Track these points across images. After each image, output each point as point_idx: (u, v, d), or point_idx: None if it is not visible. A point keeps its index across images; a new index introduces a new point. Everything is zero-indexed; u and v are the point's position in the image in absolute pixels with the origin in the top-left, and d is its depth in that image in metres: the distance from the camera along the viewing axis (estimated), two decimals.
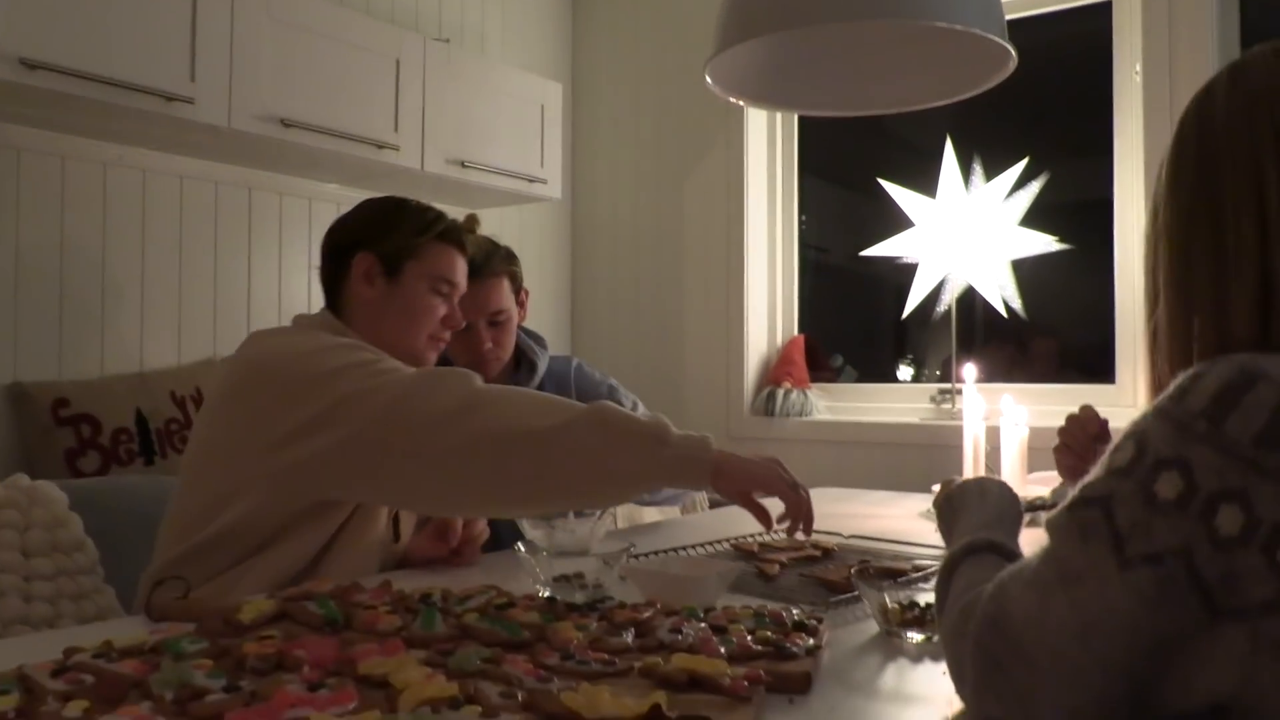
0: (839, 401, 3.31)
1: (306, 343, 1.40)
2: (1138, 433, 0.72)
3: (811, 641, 0.99)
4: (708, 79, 1.59)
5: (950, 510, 1.05)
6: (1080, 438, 1.51)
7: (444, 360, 1.88)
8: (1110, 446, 0.74)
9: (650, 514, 2.16)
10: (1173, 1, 2.62)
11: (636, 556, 1.46)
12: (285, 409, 1.33)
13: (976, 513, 0.99)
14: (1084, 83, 2.98)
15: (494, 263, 1.91)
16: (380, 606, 1.10)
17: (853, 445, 3.11)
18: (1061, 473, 1.57)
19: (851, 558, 1.58)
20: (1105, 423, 1.53)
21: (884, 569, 1.29)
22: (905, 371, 3.56)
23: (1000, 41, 1.46)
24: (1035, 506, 1.63)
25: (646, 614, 1.08)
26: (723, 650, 0.94)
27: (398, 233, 1.55)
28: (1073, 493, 0.74)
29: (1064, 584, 0.69)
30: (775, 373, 3.32)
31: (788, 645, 0.96)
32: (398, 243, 1.54)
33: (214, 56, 2.22)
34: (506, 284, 1.94)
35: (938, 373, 3.43)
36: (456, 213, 3.16)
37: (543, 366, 2.03)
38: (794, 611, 1.10)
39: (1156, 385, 0.85)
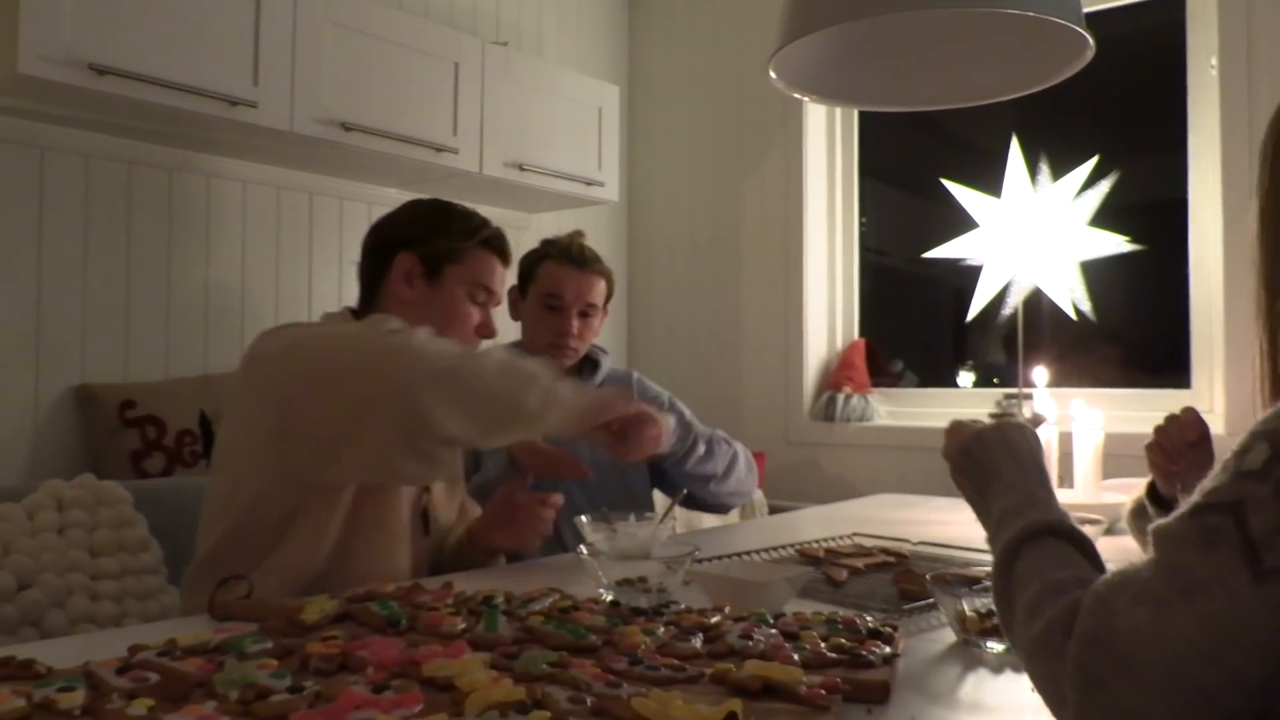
0: (900, 407, 3.25)
1: (282, 335, 1.41)
2: (1270, 432, 0.66)
3: (888, 649, 0.95)
4: (771, 74, 1.55)
5: (973, 467, 0.97)
6: (1177, 440, 1.45)
7: (524, 336, 2.04)
8: (1235, 447, 0.68)
9: (709, 519, 2.13)
10: None
11: (700, 560, 1.43)
12: (265, 393, 1.35)
13: (1011, 475, 0.91)
14: (1155, 77, 2.89)
15: (598, 264, 2.01)
16: (443, 608, 1.08)
17: (915, 451, 3.05)
18: (1152, 470, 1.50)
19: (922, 565, 1.54)
20: (1207, 430, 1.46)
21: (959, 576, 1.24)
22: (966, 378, 3.48)
23: (1077, 29, 1.40)
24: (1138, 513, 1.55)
25: (714, 619, 1.05)
26: (796, 657, 0.91)
27: (442, 235, 1.55)
28: (1193, 498, 0.68)
29: (1185, 597, 0.63)
30: (835, 377, 3.27)
31: (863, 653, 0.93)
32: (441, 246, 1.54)
33: (276, 61, 2.24)
34: (604, 285, 2.01)
35: (994, 380, 3.36)
36: (517, 218, 3.21)
37: (603, 372, 2.06)
38: (868, 618, 1.06)
39: (1275, 387, 0.79)
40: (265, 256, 2.61)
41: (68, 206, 2.26)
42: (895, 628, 1.04)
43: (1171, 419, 1.47)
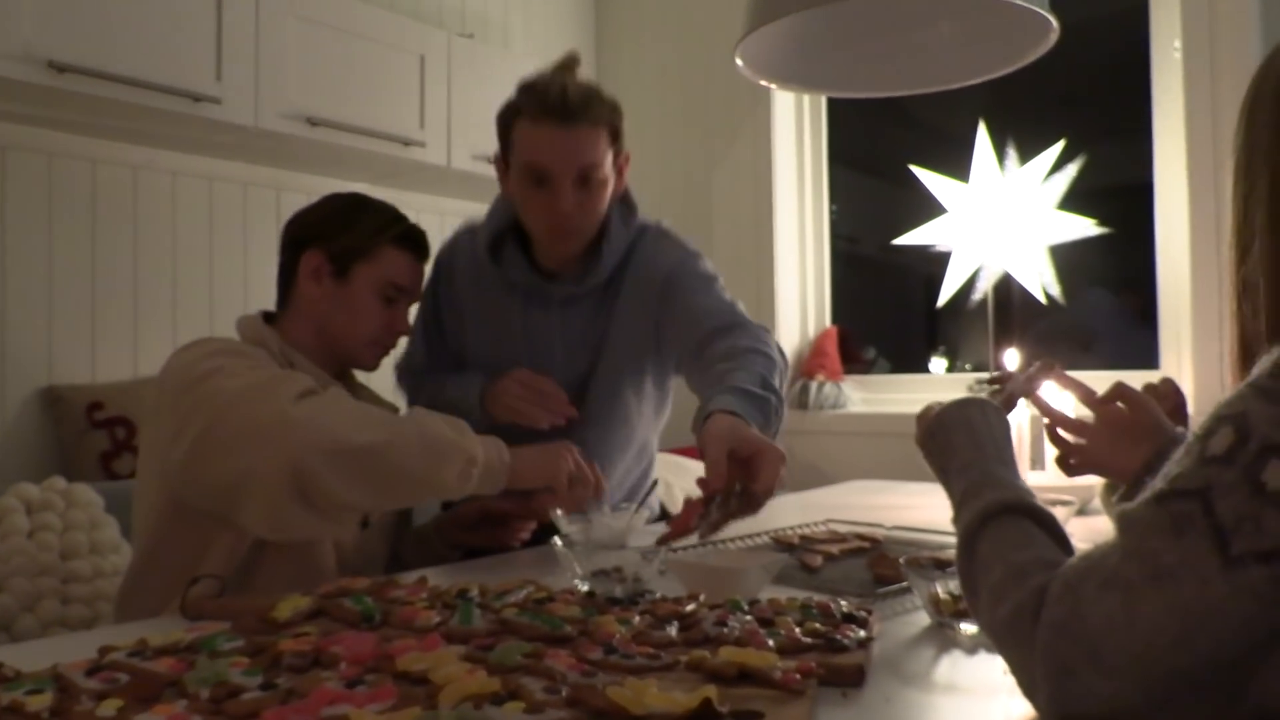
0: (873, 394, 3.26)
1: (192, 353, 1.36)
2: (1234, 415, 0.65)
3: (862, 633, 0.96)
4: (738, 61, 1.55)
5: (936, 448, 0.97)
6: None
7: (518, 224, 1.63)
8: (1198, 430, 0.68)
9: (678, 496, 2.13)
10: None
11: (675, 550, 1.43)
12: (161, 420, 1.33)
13: (968, 454, 0.92)
14: (1121, 61, 2.91)
15: (592, 108, 1.51)
16: (417, 602, 1.08)
17: (888, 437, 3.06)
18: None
19: (896, 549, 1.54)
20: (1183, 400, 1.47)
21: (933, 559, 1.25)
22: (938, 364, 3.51)
23: (1040, 11, 1.41)
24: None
25: (689, 607, 1.05)
26: (771, 643, 0.91)
27: (351, 232, 1.49)
28: (1158, 483, 0.68)
29: (1154, 583, 0.63)
30: (808, 365, 3.28)
31: (838, 637, 0.93)
32: (349, 243, 1.49)
33: (240, 56, 2.21)
34: (604, 137, 1.54)
35: (966, 366, 3.38)
36: (482, 209, 3.18)
37: (611, 260, 1.64)
38: (842, 603, 1.07)
39: (1245, 352, 0.78)
40: (233, 252, 2.59)
41: (30, 206, 2.23)
42: (870, 612, 1.05)
43: (1149, 388, 1.47)
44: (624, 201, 1.67)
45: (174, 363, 1.37)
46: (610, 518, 1.58)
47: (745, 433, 1.28)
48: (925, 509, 2.07)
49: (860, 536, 1.62)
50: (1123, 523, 0.69)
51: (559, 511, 1.54)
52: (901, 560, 1.17)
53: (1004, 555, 0.78)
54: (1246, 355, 0.78)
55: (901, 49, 1.70)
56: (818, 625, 0.97)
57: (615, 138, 1.57)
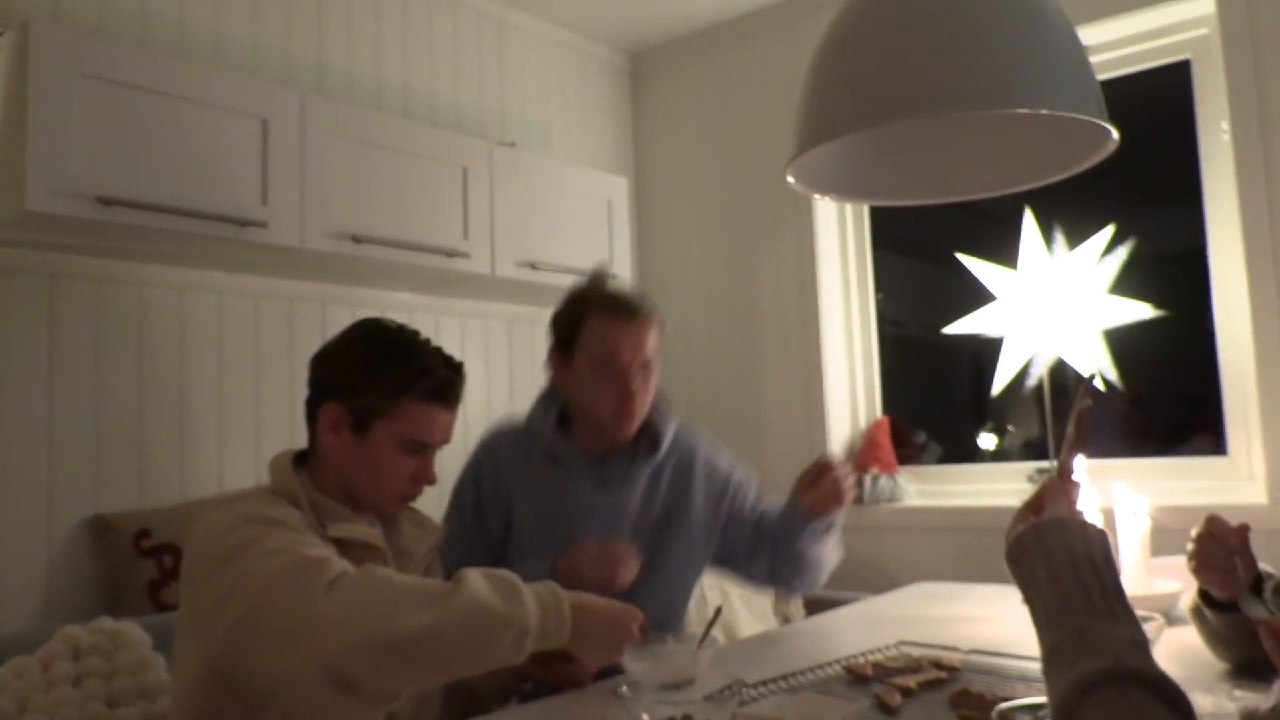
0: (929, 485, 3.18)
1: (224, 518, 1.31)
2: None
3: None
4: (790, 179, 1.52)
5: (1020, 577, 0.90)
6: (1222, 556, 1.37)
7: (578, 401, 1.82)
8: None
9: (746, 626, 2.06)
10: (1257, 55, 2.52)
11: (747, 688, 1.36)
12: (199, 593, 1.28)
13: (1051, 602, 0.84)
14: (1167, 140, 2.87)
15: (648, 304, 1.79)
16: None
17: (948, 531, 2.97)
18: (1201, 582, 1.43)
19: (976, 679, 1.46)
20: (1245, 532, 1.39)
21: (1022, 705, 1.17)
22: (988, 439, 3.42)
23: (1100, 122, 1.37)
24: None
25: None
26: None
27: (372, 388, 1.42)
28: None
29: None
30: (862, 458, 3.20)
31: None
32: (369, 401, 1.42)
33: (285, 178, 2.23)
34: (657, 331, 1.80)
35: (1022, 442, 3.30)
36: (530, 313, 3.18)
37: (666, 444, 1.85)
38: None
39: None
40: (278, 370, 2.58)
41: (78, 333, 2.24)
42: None
43: (1204, 539, 1.39)
44: (662, 398, 1.90)
45: (206, 527, 1.32)
46: (674, 649, 1.52)
47: None
48: (997, 621, 1.98)
49: (936, 664, 1.54)
50: None
51: (628, 654, 1.49)
52: (994, 712, 1.10)
53: None
54: None
55: (953, 156, 1.67)
56: None
57: (661, 331, 1.82)
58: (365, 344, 1.48)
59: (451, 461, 2.88)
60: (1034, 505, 1.00)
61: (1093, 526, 0.90)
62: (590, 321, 1.75)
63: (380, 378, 1.43)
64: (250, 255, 2.30)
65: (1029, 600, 0.89)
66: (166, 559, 2.19)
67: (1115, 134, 1.40)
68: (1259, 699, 0.65)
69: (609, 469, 1.83)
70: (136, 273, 2.33)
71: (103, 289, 2.28)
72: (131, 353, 2.32)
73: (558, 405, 1.85)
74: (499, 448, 1.89)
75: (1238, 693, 1.27)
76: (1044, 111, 1.32)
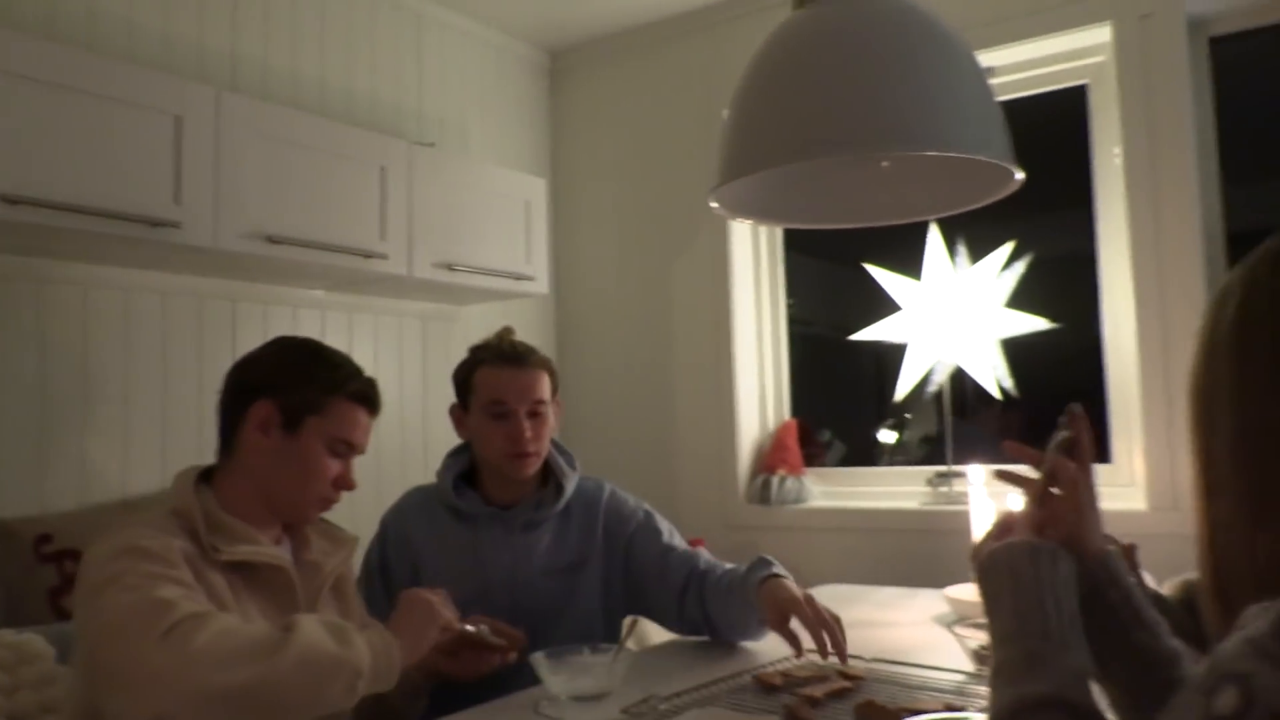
0: (834, 486, 3.28)
1: (104, 548, 1.32)
2: (1238, 676, 0.65)
3: None
4: (712, 204, 1.57)
5: (984, 595, 0.95)
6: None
7: (465, 449, 1.97)
8: (1200, 683, 0.68)
9: (658, 634, 2.11)
10: (1148, 84, 2.66)
11: (662, 701, 1.41)
12: (75, 621, 1.31)
13: (1007, 623, 0.89)
14: (1064, 156, 3.01)
15: (535, 355, 1.93)
16: None
17: (851, 532, 3.07)
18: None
19: (880, 690, 1.54)
20: (1133, 554, 1.47)
21: (924, 717, 1.24)
22: (888, 435, 3.54)
23: (1006, 165, 1.45)
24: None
25: None
26: None
27: (306, 386, 1.48)
28: None
29: None
30: (769, 459, 3.28)
31: None
32: (302, 396, 1.47)
33: (199, 177, 2.18)
34: (547, 378, 1.92)
35: (921, 437, 3.43)
36: (446, 311, 3.17)
37: (570, 488, 1.96)
38: None
39: (1220, 588, 0.79)
40: (188, 368, 2.53)
41: None
42: None
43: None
44: (563, 451, 2.01)
45: (89, 556, 1.33)
46: (591, 660, 1.56)
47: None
48: (900, 626, 2.07)
49: (842, 674, 1.61)
50: None
51: (541, 655, 1.53)
52: None
53: None
54: (1223, 592, 0.79)
55: (866, 184, 1.73)
56: None
57: (553, 379, 1.95)
58: (297, 349, 1.56)
59: (365, 476, 2.87)
60: (1004, 526, 1.05)
61: (1063, 555, 0.94)
62: (480, 371, 1.90)
63: (316, 376, 1.50)
64: (161, 254, 2.25)
65: (989, 613, 0.93)
66: (68, 564, 2.13)
67: (1019, 174, 1.47)
68: None
69: (514, 518, 1.91)
70: (38, 269, 2.26)
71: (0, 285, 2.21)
72: (31, 351, 2.25)
73: (462, 461, 1.97)
74: (405, 508, 2.00)
75: None
76: (957, 155, 1.39)
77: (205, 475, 1.51)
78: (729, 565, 1.89)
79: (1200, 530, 0.82)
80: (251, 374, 1.51)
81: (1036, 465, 1.09)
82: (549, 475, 1.97)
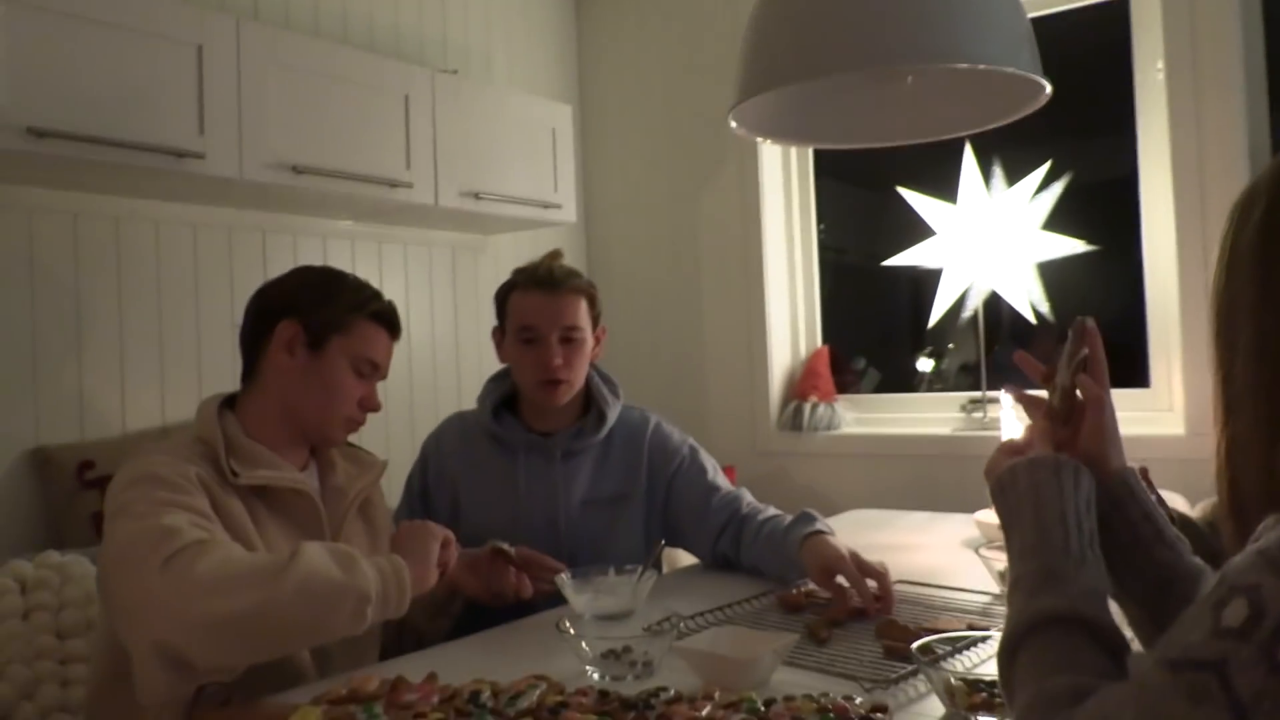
0: (866, 413, 3.27)
1: (125, 474, 1.34)
2: (1248, 587, 0.65)
3: None
4: (732, 123, 1.54)
5: (1003, 507, 0.94)
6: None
7: (510, 400, 1.93)
8: (1210, 596, 0.67)
9: (688, 557, 2.12)
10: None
11: (684, 619, 1.43)
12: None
13: (1029, 536, 0.88)
14: (1105, 79, 2.91)
15: (572, 280, 1.87)
16: (430, 713, 1.07)
17: (883, 459, 3.07)
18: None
19: (901, 609, 1.54)
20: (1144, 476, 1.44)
21: (943, 639, 1.24)
22: (925, 364, 3.51)
23: (1034, 77, 1.41)
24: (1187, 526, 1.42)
25: (704, 711, 1.05)
26: None
27: (329, 305, 1.50)
28: (1167, 643, 0.67)
29: None
30: (801, 386, 3.27)
31: None
32: (327, 315, 1.50)
33: (222, 109, 2.18)
34: (584, 304, 1.87)
35: (959, 366, 3.39)
36: (473, 240, 3.17)
37: (613, 417, 1.91)
38: (858, 700, 1.06)
39: (1237, 505, 0.77)
40: (218, 298, 2.55)
41: (10, 262, 2.19)
42: (886, 709, 1.04)
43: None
44: (608, 380, 1.97)
45: (114, 480, 1.35)
46: (616, 581, 1.58)
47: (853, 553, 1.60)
48: (926, 549, 2.07)
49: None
50: (1136, 684, 0.69)
51: (565, 577, 1.56)
52: (912, 648, 1.17)
53: (1039, 676, 0.77)
54: (1240, 509, 0.77)
55: (894, 103, 1.69)
56: None
57: (593, 305, 1.90)
58: (318, 272, 1.59)
59: (398, 405, 2.88)
60: (1021, 442, 1.02)
61: (1085, 472, 0.93)
62: (514, 295, 1.87)
63: (338, 297, 1.52)
64: (188, 185, 2.26)
65: (1007, 528, 0.92)
66: None
67: (1048, 87, 1.43)
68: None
69: (553, 446, 1.88)
70: (71, 202, 2.28)
71: (36, 218, 2.23)
72: (66, 282, 2.29)
73: (503, 386, 1.94)
74: (444, 434, 1.98)
75: None
76: (983, 67, 1.35)
77: (230, 402, 1.53)
78: (771, 511, 1.83)
79: (1219, 447, 0.80)
80: (275, 297, 1.53)
81: (1045, 381, 1.07)
82: (591, 403, 1.93)
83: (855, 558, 1.58)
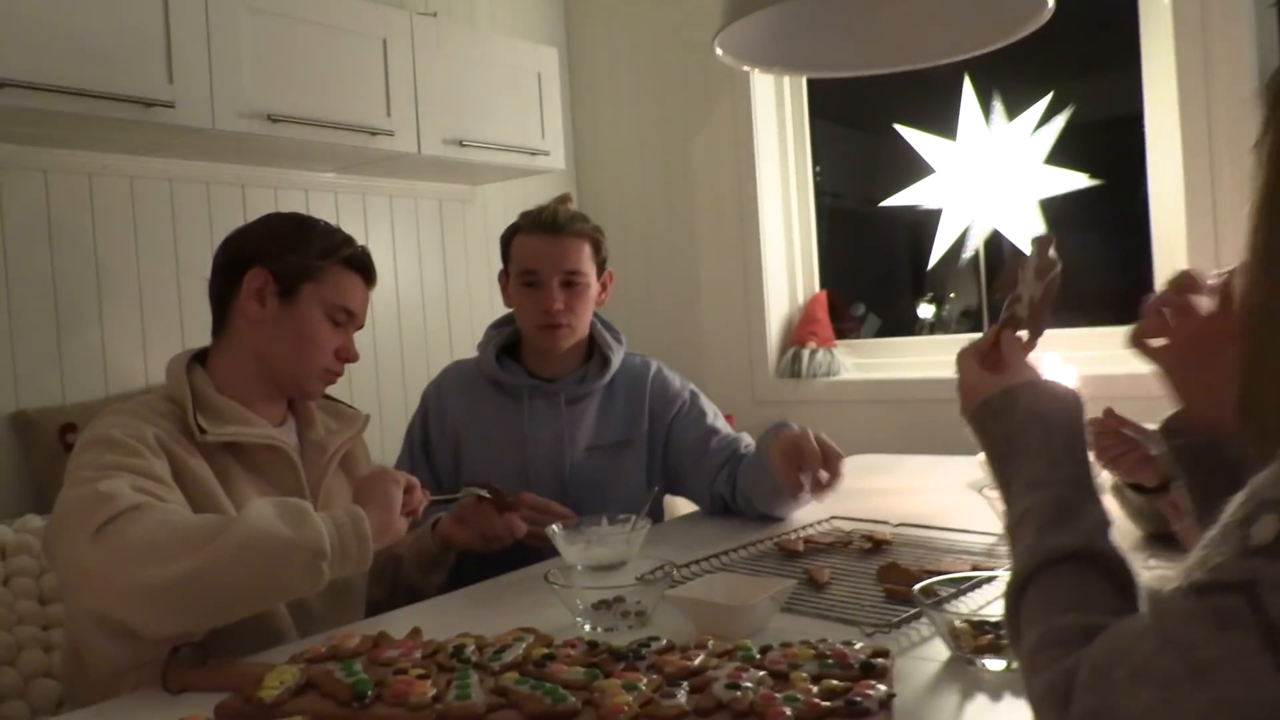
0: (866, 358, 3.21)
1: (82, 436, 1.30)
2: (1278, 501, 0.60)
3: (883, 689, 0.90)
4: (717, 51, 1.46)
5: (997, 433, 0.86)
6: (1118, 446, 1.40)
7: (510, 321, 1.91)
8: (1236, 513, 0.62)
9: (683, 504, 2.08)
10: None
11: (678, 568, 1.38)
12: None
13: (1038, 467, 0.81)
14: (1108, 8, 2.82)
15: (576, 224, 1.83)
16: (412, 669, 1.02)
17: (884, 404, 3.02)
18: (1132, 479, 1.44)
19: (904, 552, 1.50)
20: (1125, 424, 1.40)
21: (946, 580, 1.20)
22: (926, 310, 3.45)
23: None
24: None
25: (698, 659, 1.00)
26: (789, 712, 0.86)
27: (299, 252, 1.44)
28: (1190, 567, 0.62)
29: (1197, 679, 0.58)
30: (799, 332, 3.21)
31: (857, 699, 0.88)
32: (297, 262, 1.43)
33: (191, 55, 2.10)
34: (588, 248, 1.84)
35: (961, 312, 3.32)
36: (461, 191, 3.09)
37: (617, 361, 1.89)
38: (857, 645, 1.02)
39: (1252, 396, 0.71)
40: (199, 254, 2.48)
41: None
42: (888, 655, 1.00)
43: (1096, 437, 1.35)
44: (609, 326, 1.95)
45: (76, 443, 1.30)
46: (609, 531, 1.53)
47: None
48: (929, 492, 2.03)
49: (867, 537, 1.57)
50: (1155, 609, 0.64)
51: (556, 528, 1.51)
52: (915, 590, 1.12)
53: (1048, 615, 0.72)
54: (1254, 400, 0.71)
55: (886, 25, 1.61)
56: (835, 681, 0.92)
57: (597, 251, 1.86)
58: (287, 218, 1.52)
59: (388, 359, 2.83)
60: (990, 351, 0.95)
61: (1077, 396, 0.86)
62: (517, 238, 1.84)
63: (308, 243, 1.45)
64: (160, 137, 2.19)
65: (1002, 456, 0.85)
66: None
67: (1050, 2, 1.35)
68: (1170, 570, 0.66)
69: (558, 391, 1.85)
70: (40, 158, 2.21)
71: (4, 176, 2.16)
72: (40, 242, 2.22)
73: (505, 333, 1.91)
74: (444, 381, 1.95)
75: (1152, 562, 1.31)
76: None
77: (202, 357, 1.47)
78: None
79: (1241, 331, 0.73)
80: (242, 245, 1.47)
81: (1006, 289, 1.01)
82: (594, 349, 1.92)
83: (819, 437, 1.62)
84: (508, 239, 1.88)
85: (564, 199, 1.88)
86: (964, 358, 0.96)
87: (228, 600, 1.17)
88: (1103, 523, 0.78)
